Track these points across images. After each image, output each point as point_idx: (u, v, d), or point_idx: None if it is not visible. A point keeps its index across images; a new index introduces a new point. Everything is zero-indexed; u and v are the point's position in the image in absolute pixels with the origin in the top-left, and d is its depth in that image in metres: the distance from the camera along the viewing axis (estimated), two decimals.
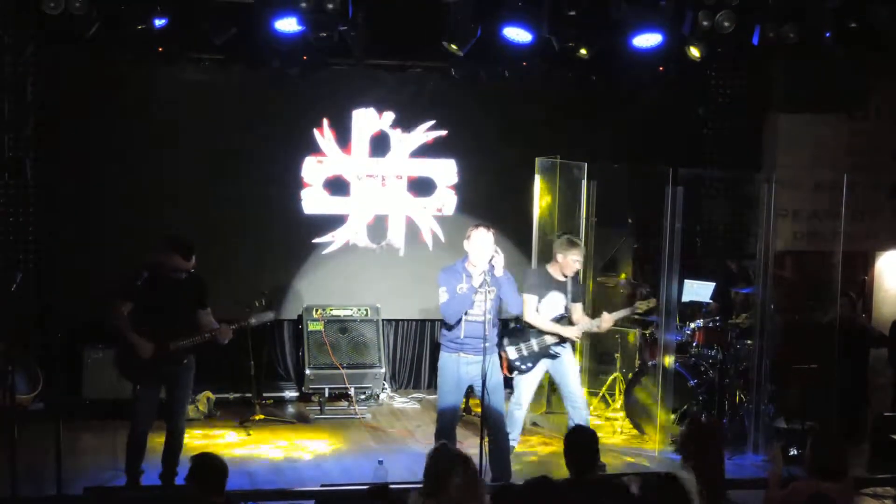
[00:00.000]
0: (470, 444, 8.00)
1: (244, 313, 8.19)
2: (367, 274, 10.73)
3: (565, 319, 8.53)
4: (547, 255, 9.79)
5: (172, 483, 7.47)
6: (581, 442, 5.66)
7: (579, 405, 8.48)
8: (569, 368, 8.57)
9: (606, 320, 8.57)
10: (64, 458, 7.18)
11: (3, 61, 9.50)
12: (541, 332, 8.46)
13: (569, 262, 8.41)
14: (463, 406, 8.97)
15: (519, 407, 8.55)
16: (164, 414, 7.63)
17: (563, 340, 8.49)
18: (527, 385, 8.57)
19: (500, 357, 8.37)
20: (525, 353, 8.49)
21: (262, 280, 10.23)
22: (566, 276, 8.51)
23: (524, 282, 8.55)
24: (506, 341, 8.55)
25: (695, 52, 9.35)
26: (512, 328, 8.75)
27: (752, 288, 9.50)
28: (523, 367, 8.50)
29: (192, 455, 5.55)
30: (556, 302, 8.52)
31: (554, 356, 8.50)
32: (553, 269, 8.54)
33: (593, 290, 10.37)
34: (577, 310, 8.61)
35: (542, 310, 8.49)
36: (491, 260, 7.50)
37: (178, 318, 7.46)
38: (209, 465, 5.41)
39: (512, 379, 8.55)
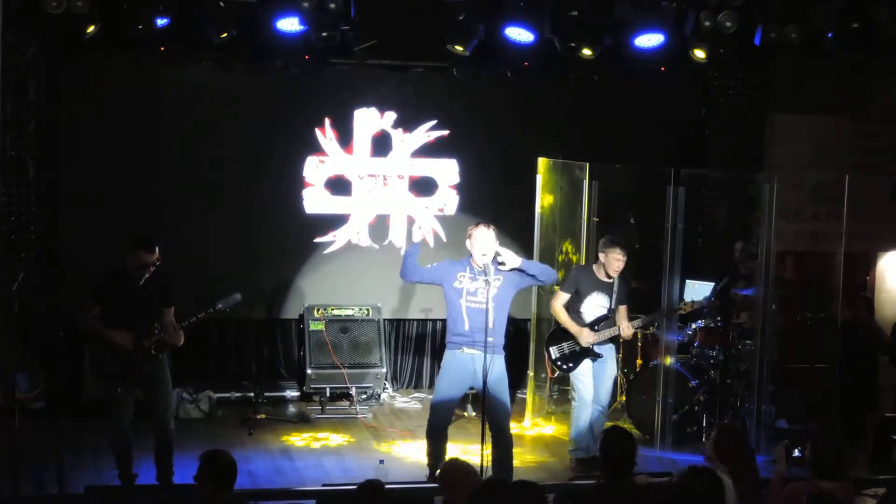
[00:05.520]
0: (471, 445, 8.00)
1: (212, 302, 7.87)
2: (368, 273, 10.73)
3: (608, 321, 8.46)
4: (548, 255, 9.82)
5: (170, 482, 7.47)
6: (618, 447, 5.50)
7: (600, 408, 8.48)
8: (606, 372, 8.54)
9: (626, 327, 8.44)
10: (65, 457, 7.19)
11: (4, 60, 9.48)
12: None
13: (610, 260, 8.34)
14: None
15: (584, 405, 8.44)
16: (149, 412, 7.58)
17: (605, 341, 8.47)
18: (581, 382, 8.47)
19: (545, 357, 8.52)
20: (567, 351, 8.46)
21: (264, 279, 10.25)
22: (611, 277, 8.43)
23: (564, 276, 8.63)
24: (549, 341, 8.57)
25: (699, 53, 9.32)
26: (554, 329, 8.72)
27: (752, 289, 9.49)
28: (564, 366, 8.49)
29: (201, 452, 5.52)
30: (598, 303, 8.47)
31: (596, 356, 8.45)
32: (597, 269, 8.49)
33: None
34: (622, 312, 8.51)
35: (584, 310, 8.46)
36: (496, 257, 7.50)
37: (146, 317, 7.46)
38: (220, 461, 5.39)
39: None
